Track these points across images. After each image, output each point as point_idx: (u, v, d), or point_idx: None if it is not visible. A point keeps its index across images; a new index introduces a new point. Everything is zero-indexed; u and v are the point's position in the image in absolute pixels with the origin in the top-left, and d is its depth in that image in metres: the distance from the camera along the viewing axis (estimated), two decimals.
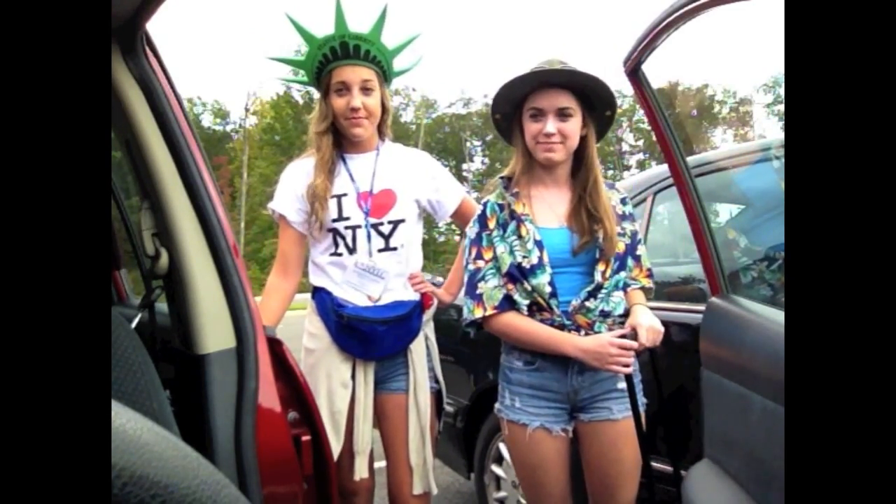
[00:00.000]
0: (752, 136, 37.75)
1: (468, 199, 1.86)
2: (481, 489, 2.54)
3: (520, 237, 1.52)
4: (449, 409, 2.57)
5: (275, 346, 1.10)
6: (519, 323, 1.52)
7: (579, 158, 1.58)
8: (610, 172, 40.92)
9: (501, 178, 1.63)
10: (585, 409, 1.53)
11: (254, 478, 0.99)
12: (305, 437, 1.08)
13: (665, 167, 1.96)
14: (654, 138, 1.74)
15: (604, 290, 1.51)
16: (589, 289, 1.50)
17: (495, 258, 1.55)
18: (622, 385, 1.51)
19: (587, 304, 1.50)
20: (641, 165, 41.39)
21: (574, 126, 1.52)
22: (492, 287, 1.54)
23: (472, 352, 2.52)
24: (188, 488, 0.37)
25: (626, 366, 1.43)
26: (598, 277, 1.50)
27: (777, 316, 1.35)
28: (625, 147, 44.23)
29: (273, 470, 1.02)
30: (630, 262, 1.58)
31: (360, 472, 1.72)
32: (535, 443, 1.53)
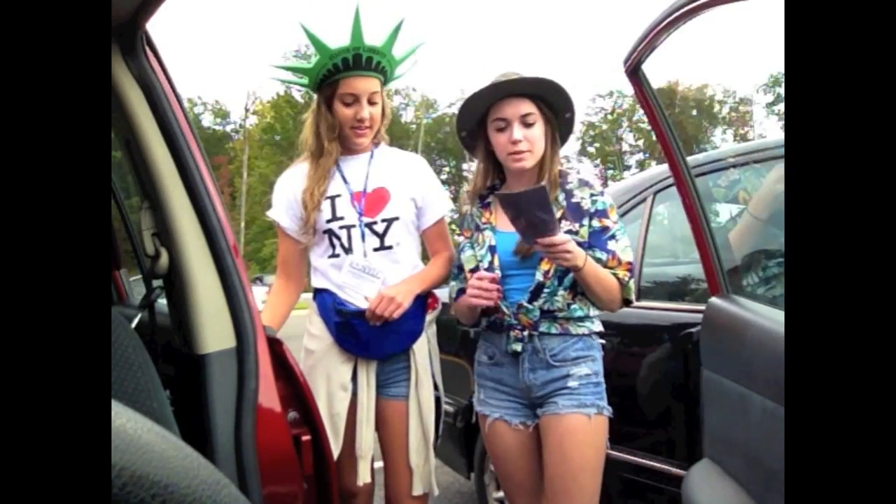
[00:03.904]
0: (752, 136, 37.74)
1: (445, 222, 1.85)
2: (481, 489, 2.54)
3: (479, 243, 1.64)
4: (449, 409, 2.57)
5: (275, 346, 1.10)
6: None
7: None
8: (610, 172, 40.93)
9: (468, 192, 1.75)
10: (541, 405, 1.57)
11: (254, 478, 0.99)
12: (305, 437, 1.08)
13: (665, 167, 1.96)
14: (654, 138, 1.74)
15: (546, 290, 1.54)
16: (531, 288, 1.55)
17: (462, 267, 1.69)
18: (573, 384, 1.53)
19: (527, 305, 1.54)
20: (641, 165, 41.37)
21: (538, 132, 1.58)
22: (452, 284, 1.74)
23: (472, 352, 2.52)
24: (188, 488, 0.37)
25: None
26: (538, 277, 1.54)
27: (777, 316, 1.35)
28: (625, 147, 44.23)
29: (273, 470, 1.02)
30: (603, 255, 1.55)
31: (364, 477, 1.71)
32: (496, 434, 1.62)
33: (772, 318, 1.35)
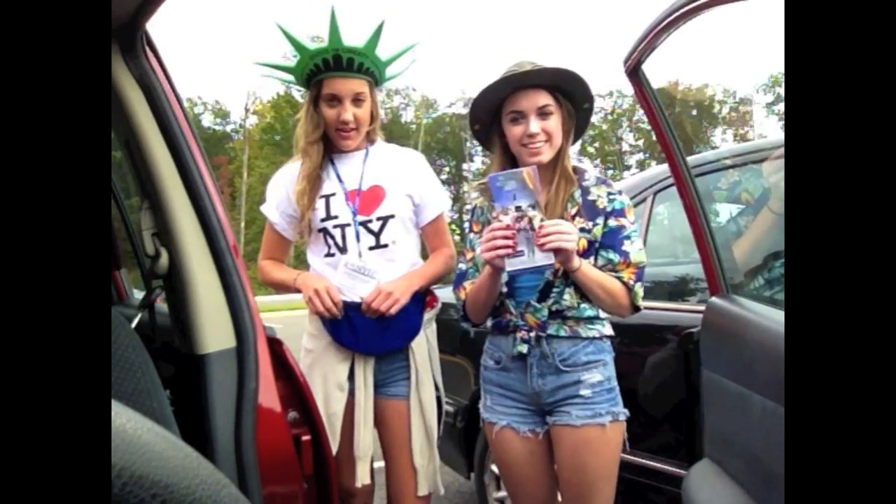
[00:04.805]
0: (752, 136, 37.78)
1: (444, 218, 1.83)
2: (481, 489, 2.54)
3: None
4: (449, 408, 2.57)
5: (275, 346, 1.10)
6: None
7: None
8: (610, 172, 40.92)
9: (482, 184, 1.66)
10: (551, 413, 1.52)
11: (254, 478, 0.99)
12: (305, 437, 1.08)
13: (665, 167, 1.96)
14: (654, 138, 1.74)
15: (555, 290, 1.49)
16: (540, 287, 1.49)
17: (474, 259, 1.63)
18: (586, 392, 1.47)
19: (535, 303, 1.50)
20: (641, 165, 41.38)
21: (555, 124, 1.52)
22: (470, 281, 1.61)
23: (472, 351, 2.52)
24: (188, 488, 0.37)
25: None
26: (547, 275, 1.48)
27: (777, 315, 1.35)
28: (625, 147, 44.23)
29: (273, 470, 1.02)
30: (616, 256, 1.50)
31: (363, 478, 1.69)
32: (504, 442, 1.55)
33: (772, 318, 1.35)
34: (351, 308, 1.67)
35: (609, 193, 1.54)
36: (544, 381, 1.50)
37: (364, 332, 1.68)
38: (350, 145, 1.73)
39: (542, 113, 1.51)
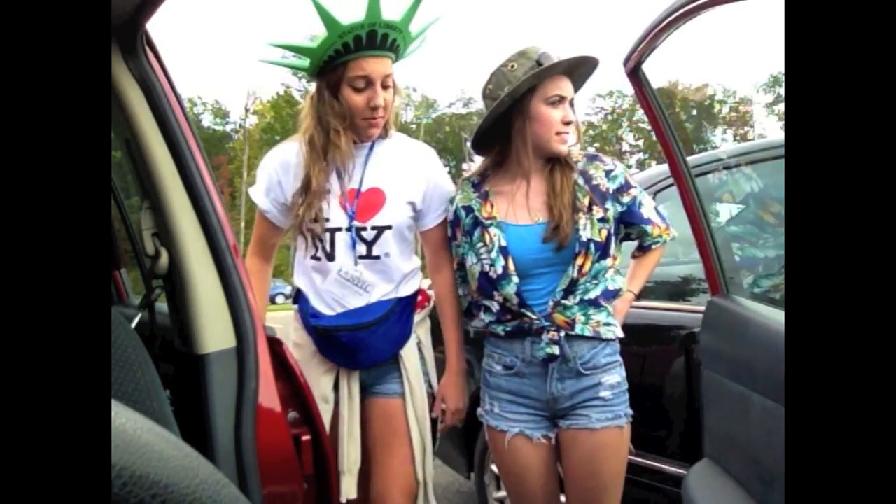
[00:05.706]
0: (753, 136, 37.80)
1: (447, 225, 1.63)
2: (481, 489, 2.54)
3: (484, 245, 1.48)
4: None
5: (275, 346, 1.10)
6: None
7: None
8: None
9: (467, 179, 1.60)
10: (565, 417, 1.47)
11: (254, 478, 0.99)
12: (305, 437, 1.08)
13: (665, 167, 1.96)
14: (654, 138, 1.74)
15: (581, 284, 1.44)
16: (563, 287, 1.44)
17: (461, 267, 1.58)
18: (605, 394, 1.44)
19: (564, 301, 1.44)
20: (641, 165, 41.36)
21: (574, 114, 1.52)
22: (461, 294, 1.64)
23: (472, 350, 2.52)
24: (188, 488, 0.37)
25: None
26: (572, 273, 1.43)
27: (777, 315, 1.35)
28: (625, 147, 44.19)
29: (273, 470, 1.02)
30: (649, 227, 1.52)
31: (348, 492, 1.55)
32: (515, 450, 1.50)
33: (772, 318, 1.35)
34: (339, 330, 1.54)
35: (606, 172, 1.51)
36: (563, 386, 1.45)
37: (353, 352, 1.56)
38: (376, 134, 1.55)
39: (571, 102, 1.50)
